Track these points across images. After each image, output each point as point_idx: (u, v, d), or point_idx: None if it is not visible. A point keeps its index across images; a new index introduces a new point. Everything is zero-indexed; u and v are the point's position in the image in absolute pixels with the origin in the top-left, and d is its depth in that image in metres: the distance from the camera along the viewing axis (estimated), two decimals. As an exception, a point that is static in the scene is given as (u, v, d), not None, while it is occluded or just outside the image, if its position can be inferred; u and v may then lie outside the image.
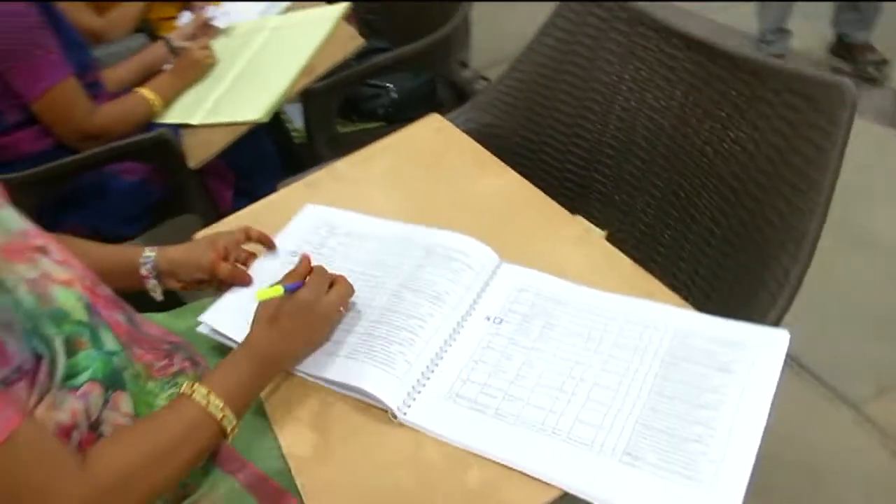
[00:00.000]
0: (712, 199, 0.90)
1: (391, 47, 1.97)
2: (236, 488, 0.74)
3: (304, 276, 0.79)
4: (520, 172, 1.00)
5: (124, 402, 0.72)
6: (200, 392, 0.69)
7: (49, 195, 1.51)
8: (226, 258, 0.90)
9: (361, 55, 1.82)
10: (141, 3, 2.05)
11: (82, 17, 1.94)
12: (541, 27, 1.13)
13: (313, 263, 0.82)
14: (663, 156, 0.99)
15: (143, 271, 0.91)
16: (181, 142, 1.50)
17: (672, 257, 0.98)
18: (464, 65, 2.77)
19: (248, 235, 0.93)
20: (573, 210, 1.14)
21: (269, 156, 1.71)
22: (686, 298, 0.76)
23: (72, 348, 0.68)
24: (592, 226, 1.09)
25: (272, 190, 1.18)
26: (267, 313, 0.76)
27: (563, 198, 1.14)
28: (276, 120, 1.78)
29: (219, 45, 1.73)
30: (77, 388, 0.67)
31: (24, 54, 1.39)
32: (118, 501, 0.63)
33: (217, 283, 0.91)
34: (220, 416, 0.68)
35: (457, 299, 0.78)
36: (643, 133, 1.02)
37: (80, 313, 0.70)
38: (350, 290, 0.79)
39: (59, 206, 1.55)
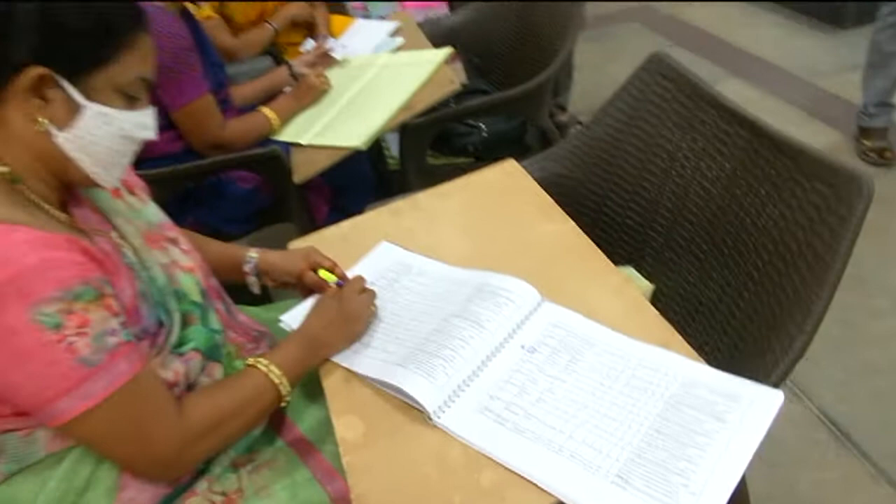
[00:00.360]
0: (745, 267, 0.98)
1: (491, 89, 2.12)
2: (292, 455, 0.89)
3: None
4: (582, 221, 1.11)
5: (217, 371, 0.89)
6: (264, 363, 0.85)
7: (175, 192, 1.74)
8: (313, 270, 1.07)
9: (460, 94, 1.98)
10: (270, 28, 2.29)
11: (220, 36, 2.18)
12: (615, 92, 1.24)
13: (388, 299, 1.01)
14: (710, 222, 1.08)
15: (247, 269, 1.09)
16: (290, 158, 1.69)
17: (707, 314, 1.07)
18: (562, 108, 2.90)
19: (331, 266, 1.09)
20: (628, 261, 1.24)
21: (365, 178, 1.88)
22: (702, 349, 0.86)
23: (185, 322, 0.85)
24: (640, 277, 1.19)
25: (362, 209, 1.34)
26: (317, 307, 0.93)
27: (621, 249, 1.26)
28: (376, 146, 1.95)
29: (333, 75, 1.92)
30: (183, 354, 0.84)
31: (174, 71, 1.61)
32: (202, 443, 0.81)
33: (301, 288, 1.08)
34: (278, 381, 0.86)
35: (497, 327, 0.91)
36: (695, 199, 1.12)
37: (195, 295, 0.88)
38: (374, 295, 0.99)
39: (181, 202, 1.77)
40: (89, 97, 0.76)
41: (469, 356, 0.88)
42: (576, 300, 0.95)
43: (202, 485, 0.86)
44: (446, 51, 1.78)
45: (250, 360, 0.88)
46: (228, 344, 0.94)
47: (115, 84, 0.78)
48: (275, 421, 0.94)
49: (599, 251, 1.04)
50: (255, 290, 1.11)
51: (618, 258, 1.24)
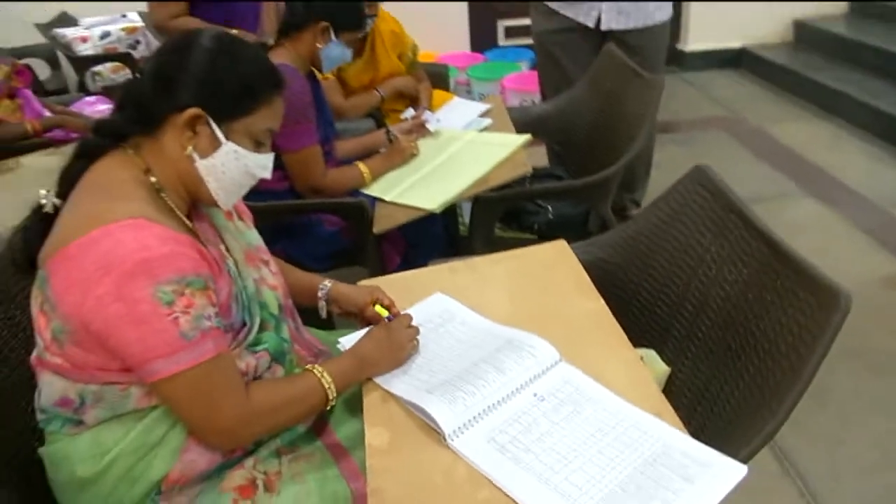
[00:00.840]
0: (745, 363, 1.11)
1: (564, 176, 2.31)
2: (327, 455, 1.07)
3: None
4: (616, 303, 1.26)
5: (279, 373, 1.09)
6: (319, 370, 1.05)
7: (271, 223, 1.99)
8: (373, 305, 1.26)
9: (536, 176, 2.18)
10: (378, 95, 2.57)
11: (334, 96, 2.47)
12: (659, 196, 1.41)
13: (431, 339, 1.19)
14: (724, 321, 1.21)
15: (320, 294, 1.30)
16: (374, 210, 1.91)
17: (710, 401, 1.19)
18: (636, 203, 3.05)
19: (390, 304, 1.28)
20: (652, 344, 1.38)
21: (437, 238, 2.08)
22: (693, 426, 0.99)
23: (262, 328, 1.05)
24: (659, 360, 1.32)
25: (426, 263, 1.54)
26: (370, 333, 1.12)
27: (647, 333, 1.40)
28: (451, 211, 2.15)
29: (424, 143, 2.16)
30: (255, 352, 1.04)
31: (293, 121, 1.85)
32: (258, 423, 1.00)
33: (361, 319, 1.27)
34: (327, 387, 1.04)
35: (515, 375, 1.07)
36: (716, 299, 1.25)
37: (274, 308, 1.09)
38: (417, 332, 1.17)
39: (274, 232, 2.01)
40: (228, 137, 1.00)
41: (487, 394, 1.04)
42: (590, 365, 1.10)
43: (249, 462, 1.05)
44: (525, 137, 1.99)
45: (308, 367, 1.07)
46: (293, 353, 1.14)
47: (249, 131, 1.02)
48: (318, 425, 1.12)
49: (621, 330, 1.19)
50: (323, 314, 1.31)
51: (643, 340, 1.39)
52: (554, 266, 1.38)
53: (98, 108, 3.07)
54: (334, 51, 1.96)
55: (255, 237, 1.19)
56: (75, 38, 4.21)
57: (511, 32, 5.04)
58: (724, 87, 4.87)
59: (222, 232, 1.13)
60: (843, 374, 2.12)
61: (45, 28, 4.27)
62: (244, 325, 1.05)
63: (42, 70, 4.51)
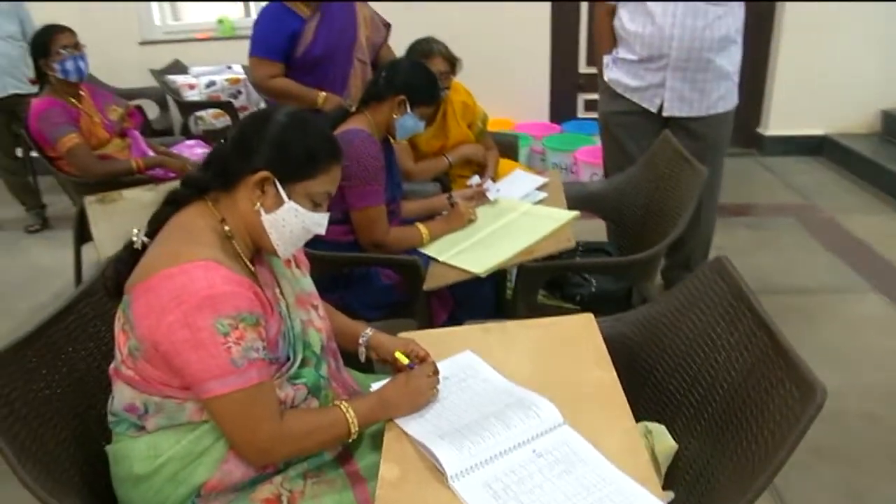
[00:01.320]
0: (740, 447, 1.19)
1: (613, 251, 2.42)
2: (346, 482, 1.21)
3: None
4: (634, 378, 1.37)
5: (313, 405, 1.24)
6: (345, 405, 1.20)
7: (333, 271, 2.17)
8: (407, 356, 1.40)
9: (587, 249, 2.29)
10: (446, 162, 2.75)
11: (405, 160, 2.67)
12: (679, 284, 1.51)
13: (453, 391, 1.31)
14: (729, 406, 1.29)
15: (361, 340, 1.45)
16: (427, 269, 2.07)
17: (707, 479, 1.27)
18: None
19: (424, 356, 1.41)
20: (663, 420, 1.46)
21: (485, 299, 2.21)
22: (687, 499, 1.08)
23: (303, 363, 1.22)
24: (668, 435, 1.40)
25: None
26: (394, 378, 1.26)
27: (660, 408, 1.48)
28: (500, 274, 2.28)
29: (483, 210, 2.32)
30: (295, 384, 1.20)
31: (364, 181, 2.06)
32: (289, 445, 1.16)
33: (394, 366, 1.41)
34: (351, 421, 1.18)
35: (520, 432, 1.18)
36: (723, 383, 1.33)
37: (317, 348, 1.25)
38: (437, 381, 1.29)
39: (334, 280, 2.20)
40: (290, 197, 1.19)
41: (491, 445, 1.16)
42: (590, 430, 1.20)
43: (277, 479, 1.20)
44: (573, 214, 2.13)
45: (336, 402, 1.22)
46: (329, 390, 1.29)
47: (308, 193, 1.21)
48: (343, 454, 1.27)
49: (625, 402, 1.29)
50: (362, 358, 1.47)
51: (656, 415, 1.47)
52: (577, 336, 1.50)
53: (196, 151, 3.39)
54: (408, 122, 2.16)
55: (308, 283, 1.37)
56: (184, 85, 4.64)
57: (590, 106, 5.19)
58: (802, 173, 4.85)
59: (279, 277, 1.31)
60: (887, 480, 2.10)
61: (158, 73, 4.73)
62: (288, 359, 1.22)
63: (152, 110, 4.97)
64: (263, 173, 1.18)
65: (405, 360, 1.37)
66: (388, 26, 3.20)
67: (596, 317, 1.55)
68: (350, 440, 1.22)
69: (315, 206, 1.24)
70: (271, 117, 1.23)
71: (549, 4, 4.93)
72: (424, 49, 2.64)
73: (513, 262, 1.99)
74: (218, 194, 1.23)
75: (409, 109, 2.13)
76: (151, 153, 3.13)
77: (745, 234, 3.88)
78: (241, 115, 4.53)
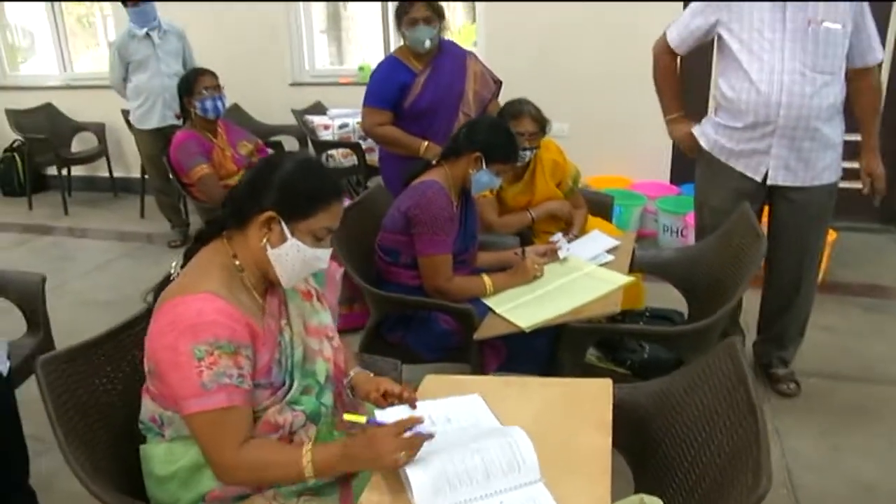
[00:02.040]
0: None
1: (679, 319, 2.41)
2: (337, 501, 1.33)
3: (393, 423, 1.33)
4: (642, 447, 1.40)
5: (311, 431, 1.38)
6: (308, 448, 1.28)
7: (399, 312, 2.34)
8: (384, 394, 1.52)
9: (653, 316, 2.31)
10: (528, 217, 2.85)
11: (487, 212, 2.81)
12: (696, 361, 1.53)
13: (451, 429, 1.39)
14: (720, 487, 1.30)
15: (344, 381, 1.56)
16: (481, 319, 2.18)
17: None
18: (784, 362, 2.95)
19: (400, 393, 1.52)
20: (664, 494, 1.48)
21: (538, 353, 2.27)
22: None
23: (305, 391, 1.37)
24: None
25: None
26: (361, 434, 1.32)
27: (663, 481, 1.50)
28: (556, 331, 2.33)
29: (550, 267, 2.40)
30: (294, 410, 1.35)
31: (431, 230, 2.23)
32: (242, 472, 1.29)
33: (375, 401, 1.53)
34: (305, 465, 1.27)
35: (498, 482, 1.27)
36: (714, 464, 1.34)
37: (322, 377, 1.40)
38: (414, 448, 1.26)
39: (399, 320, 2.36)
40: (293, 234, 1.36)
41: (466, 492, 1.25)
42: (564, 490, 1.26)
43: (269, 493, 1.35)
44: (629, 279, 2.16)
45: (307, 444, 1.31)
46: (331, 417, 1.43)
47: (310, 230, 1.37)
48: (341, 480, 1.39)
49: (608, 469, 1.33)
50: (348, 394, 1.58)
51: (658, 487, 1.50)
52: (588, 399, 1.55)
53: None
54: (483, 178, 2.31)
55: (326, 317, 1.53)
56: (320, 125, 5.06)
57: (715, 169, 5.07)
58: (942, 254, 4.48)
59: (290, 308, 1.47)
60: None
61: (299, 113, 5.19)
62: (283, 384, 1.38)
63: (292, 146, 5.44)
64: (270, 213, 1.36)
65: (362, 420, 1.36)
66: (498, 83, 3.38)
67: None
68: (311, 483, 1.31)
69: (317, 242, 1.40)
70: (280, 162, 1.42)
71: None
72: (515, 110, 2.79)
73: (559, 320, 2.05)
74: (232, 232, 1.42)
75: (484, 166, 2.28)
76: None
77: (860, 315, 3.63)
78: (368, 156, 4.88)
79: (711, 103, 2.83)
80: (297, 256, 1.38)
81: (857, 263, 4.22)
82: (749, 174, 2.63)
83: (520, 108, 2.79)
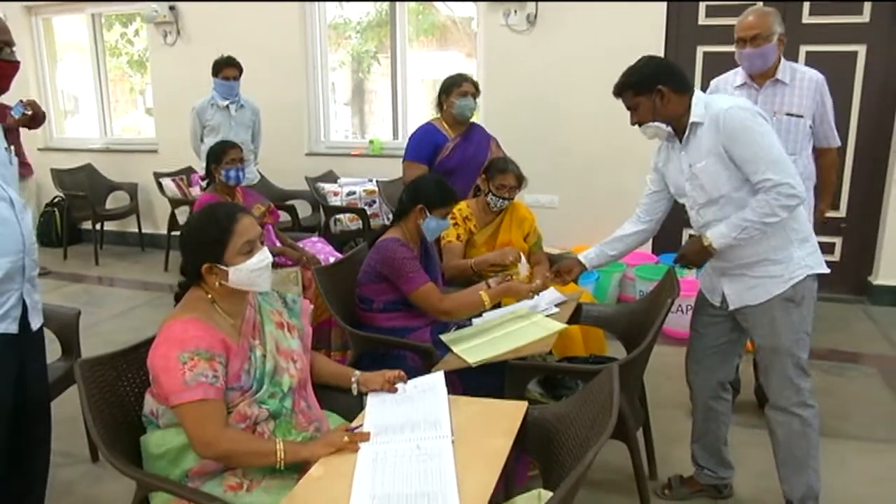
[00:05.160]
0: None
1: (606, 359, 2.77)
2: (295, 479, 1.71)
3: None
4: (548, 456, 1.77)
5: (271, 425, 1.80)
6: (280, 441, 1.71)
7: (370, 351, 2.74)
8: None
9: (595, 361, 2.68)
10: (469, 265, 3.25)
11: (447, 258, 3.25)
12: (587, 386, 1.90)
13: (408, 396, 1.95)
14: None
15: (353, 379, 2.03)
16: (442, 356, 2.56)
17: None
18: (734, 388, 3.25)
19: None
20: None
21: (489, 387, 2.61)
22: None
23: (271, 396, 1.79)
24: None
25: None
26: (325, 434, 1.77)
27: (559, 479, 1.86)
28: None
29: (508, 316, 2.79)
30: (261, 407, 1.76)
31: (405, 272, 2.68)
32: (221, 449, 1.68)
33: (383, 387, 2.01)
34: (279, 454, 1.69)
35: (417, 434, 1.76)
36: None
37: (286, 388, 1.82)
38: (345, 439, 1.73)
39: (373, 356, 2.75)
40: (228, 264, 1.79)
41: (396, 436, 1.75)
42: (462, 470, 1.63)
43: (239, 471, 1.75)
44: (564, 327, 2.57)
45: (279, 438, 1.75)
46: (290, 418, 1.85)
47: (236, 251, 1.80)
48: (300, 466, 1.77)
49: (501, 464, 1.67)
50: (354, 392, 2.04)
51: (558, 485, 1.84)
52: (504, 415, 1.92)
53: (318, 246, 4.17)
54: (431, 224, 2.79)
55: (295, 343, 1.97)
56: (330, 192, 5.57)
57: (694, 240, 5.45)
58: (908, 325, 4.77)
59: (264, 330, 1.90)
60: None
61: (312, 180, 5.71)
62: (251, 388, 1.79)
63: (305, 210, 5.94)
64: (205, 266, 1.80)
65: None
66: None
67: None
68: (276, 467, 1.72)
69: (249, 254, 1.81)
70: (186, 229, 1.88)
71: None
72: (502, 166, 3.39)
73: (500, 358, 2.44)
74: (199, 283, 1.85)
75: (428, 214, 2.74)
76: (279, 244, 3.94)
77: (817, 375, 3.85)
78: (372, 221, 5.36)
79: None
80: (242, 274, 1.80)
81: (826, 330, 4.52)
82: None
83: (505, 165, 3.39)
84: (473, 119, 3.91)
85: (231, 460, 1.74)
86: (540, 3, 5.36)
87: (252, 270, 1.82)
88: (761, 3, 4.94)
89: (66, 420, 2.85)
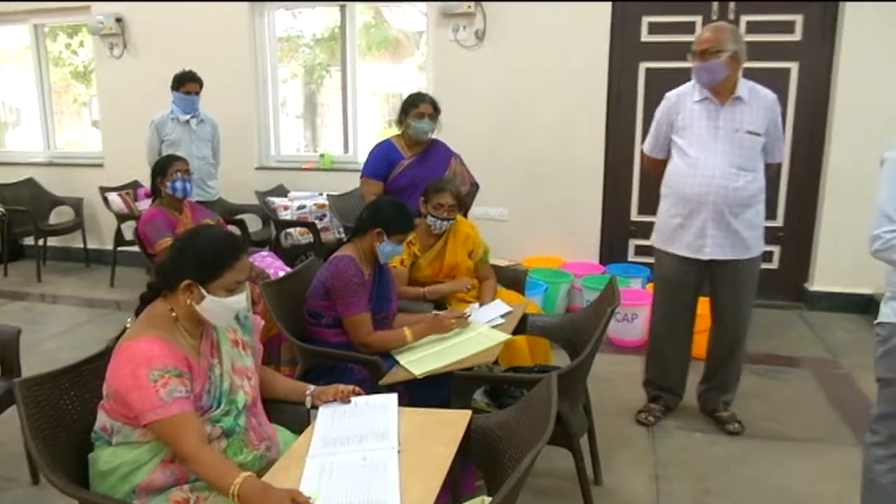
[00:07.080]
0: None
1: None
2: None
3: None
4: (490, 463, 1.84)
5: (223, 443, 1.81)
6: (240, 479, 1.65)
7: (319, 363, 2.75)
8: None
9: (540, 370, 2.74)
10: (421, 292, 3.31)
11: (399, 283, 3.25)
12: (530, 393, 1.96)
13: (360, 412, 1.96)
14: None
15: (306, 392, 2.05)
16: (389, 369, 2.59)
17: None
18: (727, 404, 3.50)
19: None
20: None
21: (436, 398, 2.66)
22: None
23: (227, 413, 1.80)
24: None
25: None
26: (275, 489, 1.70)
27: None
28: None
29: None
30: (215, 425, 1.78)
31: (347, 294, 2.70)
32: (198, 460, 1.67)
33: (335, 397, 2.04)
34: (234, 491, 1.64)
35: (365, 445, 1.82)
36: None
37: (240, 405, 1.84)
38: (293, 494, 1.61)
39: (320, 369, 2.76)
40: (209, 293, 1.80)
41: (346, 448, 1.79)
42: (406, 477, 1.68)
43: (186, 487, 1.76)
44: (507, 337, 2.63)
45: (245, 474, 1.65)
46: (244, 435, 1.85)
47: (223, 285, 1.82)
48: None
49: (443, 472, 1.73)
50: (308, 406, 2.08)
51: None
52: (447, 424, 1.98)
53: (268, 260, 4.15)
54: (387, 248, 2.80)
55: (249, 361, 1.98)
56: (280, 206, 5.56)
57: (640, 251, 5.61)
58: (841, 330, 4.92)
59: (221, 350, 1.91)
60: None
61: (262, 195, 5.69)
62: (211, 407, 1.81)
63: (255, 224, 5.91)
64: (186, 282, 1.80)
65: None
66: (475, 185, 4.06)
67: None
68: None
69: (231, 292, 1.83)
70: (191, 237, 1.87)
71: (602, 155, 5.51)
72: (440, 185, 3.37)
73: (446, 369, 2.49)
74: (167, 292, 1.85)
75: (385, 238, 2.75)
76: (227, 259, 3.91)
77: (752, 380, 3.99)
78: (322, 235, 5.36)
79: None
80: (216, 308, 1.82)
81: (763, 336, 4.69)
82: (690, 255, 3.26)
83: (443, 185, 3.37)
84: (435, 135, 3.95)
85: (205, 473, 1.71)
86: (487, 20, 5.46)
87: (225, 307, 1.83)
88: (700, 22, 5.15)
89: (5, 443, 2.79)
